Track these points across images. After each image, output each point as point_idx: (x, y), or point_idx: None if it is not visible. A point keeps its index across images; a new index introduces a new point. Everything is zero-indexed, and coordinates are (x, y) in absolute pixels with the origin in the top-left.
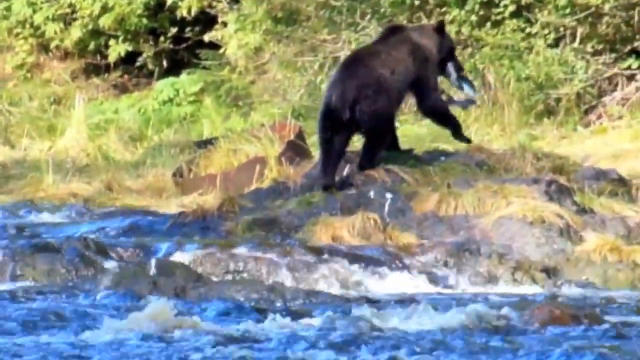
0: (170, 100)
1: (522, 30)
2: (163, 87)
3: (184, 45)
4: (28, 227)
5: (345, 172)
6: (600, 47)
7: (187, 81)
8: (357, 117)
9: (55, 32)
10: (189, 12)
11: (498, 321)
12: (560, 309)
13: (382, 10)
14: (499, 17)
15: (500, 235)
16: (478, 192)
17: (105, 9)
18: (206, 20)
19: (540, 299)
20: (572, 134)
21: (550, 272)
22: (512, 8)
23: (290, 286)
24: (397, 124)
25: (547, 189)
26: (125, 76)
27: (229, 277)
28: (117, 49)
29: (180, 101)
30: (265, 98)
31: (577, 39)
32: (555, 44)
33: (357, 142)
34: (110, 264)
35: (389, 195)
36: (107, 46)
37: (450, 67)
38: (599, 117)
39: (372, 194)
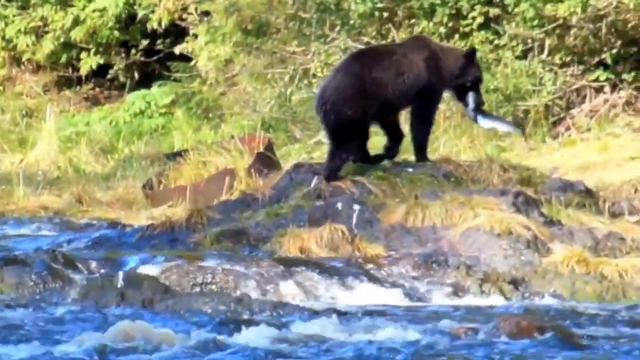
0: (142, 112)
1: (490, 42)
2: (134, 99)
3: (155, 57)
4: None
5: (313, 183)
6: (568, 59)
7: (158, 93)
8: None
9: (27, 45)
10: (159, 24)
11: (465, 332)
12: (527, 321)
13: (352, 22)
14: (467, 29)
15: (467, 246)
16: (445, 203)
17: (76, 22)
18: (177, 32)
19: (507, 311)
20: (541, 146)
21: (517, 283)
22: (480, 20)
23: (258, 298)
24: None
25: (514, 200)
26: (97, 89)
27: (197, 289)
28: (88, 62)
29: (152, 113)
30: (236, 110)
31: (545, 51)
32: (524, 55)
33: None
34: (78, 277)
35: (356, 207)
36: (78, 59)
37: (470, 96)
38: (567, 129)
39: (339, 205)
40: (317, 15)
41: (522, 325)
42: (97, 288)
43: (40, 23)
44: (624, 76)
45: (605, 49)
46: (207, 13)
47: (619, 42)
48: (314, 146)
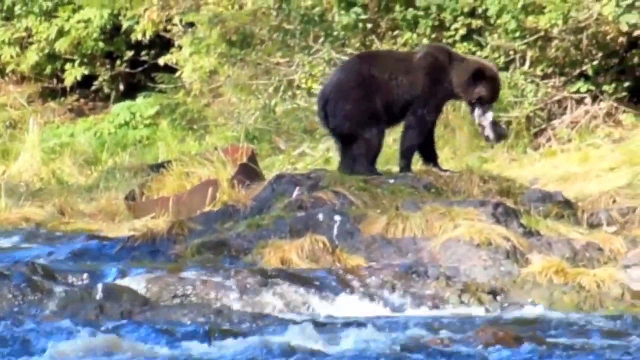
0: (127, 123)
1: (473, 53)
2: (119, 110)
3: (140, 68)
4: None
5: (294, 194)
6: (550, 70)
7: (143, 104)
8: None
9: (12, 56)
10: (144, 35)
11: (443, 342)
12: (504, 331)
13: (335, 33)
14: (450, 40)
15: (447, 257)
16: (426, 214)
17: (61, 33)
18: (162, 43)
19: (486, 321)
20: (522, 157)
21: (496, 293)
22: (462, 31)
23: (238, 309)
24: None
25: (493, 211)
26: (82, 100)
27: (177, 300)
28: (73, 73)
29: (137, 124)
30: (220, 121)
31: (527, 63)
32: (505, 67)
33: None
34: (57, 289)
35: (337, 218)
36: (63, 70)
37: (477, 110)
38: (549, 140)
39: (321, 216)
40: (301, 27)
41: (499, 335)
42: (76, 300)
43: (24, 34)
44: (605, 88)
45: (586, 60)
46: (191, 24)
47: (599, 54)
48: (298, 157)
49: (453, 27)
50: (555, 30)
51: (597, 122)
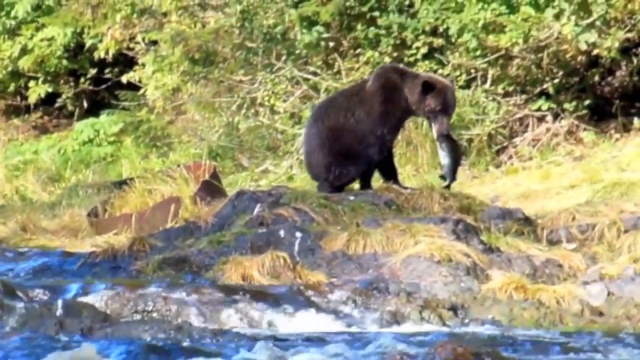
0: (91, 140)
1: (435, 71)
2: (83, 127)
3: (103, 86)
4: None
5: (255, 211)
6: (511, 88)
7: (107, 122)
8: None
9: None
10: (107, 53)
11: (402, 358)
12: (463, 347)
13: (298, 51)
14: (411, 59)
15: (408, 273)
16: (387, 231)
17: (25, 51)
18: (125, 61)
19: (446, 337)
20: (484, 174)
21: (457, 310)
22: (424, 50)
23: (199, 325)
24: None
25: (454, 228)
26: (46, 117)
27: (137, 316)
28: (37, 90)
29: (100, 141)
30: (184, 138)
31: (489, 81)
32: (467, 85)
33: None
34: (17, 305)
35: (298, 234)
36: (27, 87)
37: (433, 127)
38: (510, 157)
39: (282, 233)
40: (263, 45)
41: (458, 351)
42: (36, 316)
43: None
44: (566, 106)
45: (547, 79)
46: (154, 42)
47: (560, 73)
48: (261, 174)
49: (415, 45)
50: (516, 49)
51: (558, 139)
